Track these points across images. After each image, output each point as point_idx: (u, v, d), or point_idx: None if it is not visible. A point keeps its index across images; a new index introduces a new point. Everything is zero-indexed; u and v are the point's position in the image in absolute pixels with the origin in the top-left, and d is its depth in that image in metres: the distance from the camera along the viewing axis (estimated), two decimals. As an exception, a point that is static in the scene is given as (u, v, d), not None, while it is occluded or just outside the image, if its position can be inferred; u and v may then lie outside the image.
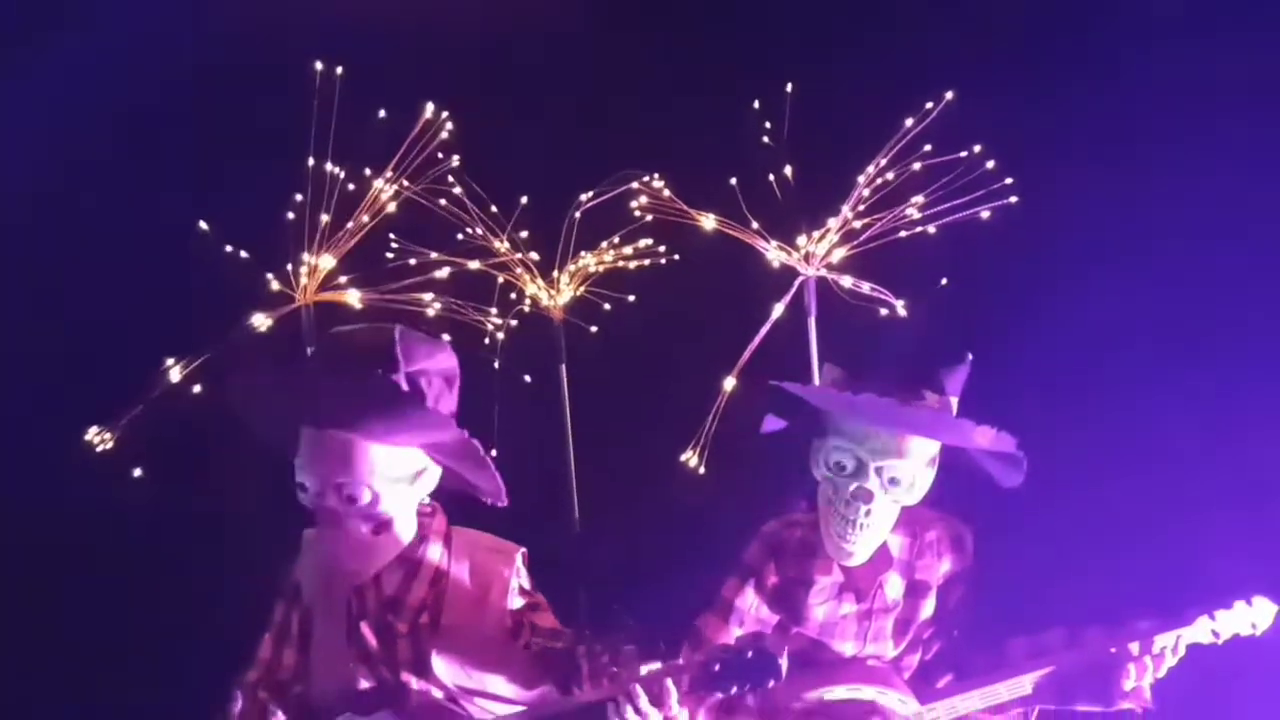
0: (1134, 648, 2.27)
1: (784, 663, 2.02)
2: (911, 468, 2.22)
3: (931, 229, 2.71)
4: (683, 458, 2.75)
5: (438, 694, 2.29)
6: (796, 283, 2.79)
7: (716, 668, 2.04)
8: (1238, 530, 2.81)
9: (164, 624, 2.87)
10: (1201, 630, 2.29)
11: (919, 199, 2.72)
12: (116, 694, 2.79)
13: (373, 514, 2.22)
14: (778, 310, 2.77)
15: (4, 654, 2.90)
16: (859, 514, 2.23)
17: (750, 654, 2.03)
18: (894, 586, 2.35)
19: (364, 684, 2.28)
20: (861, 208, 2.75)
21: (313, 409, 2.16)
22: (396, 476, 2.22)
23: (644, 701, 2.04)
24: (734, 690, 2.06)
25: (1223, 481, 2.91)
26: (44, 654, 2.93)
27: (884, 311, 2.78)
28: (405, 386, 2.16)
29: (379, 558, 2.26)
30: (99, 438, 2.57)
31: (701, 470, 2.74)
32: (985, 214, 2.68)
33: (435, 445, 2.24)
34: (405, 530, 2.28)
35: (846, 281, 2.80)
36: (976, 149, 2.70)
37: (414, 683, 2.27)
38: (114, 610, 2.91)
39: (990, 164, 2.68)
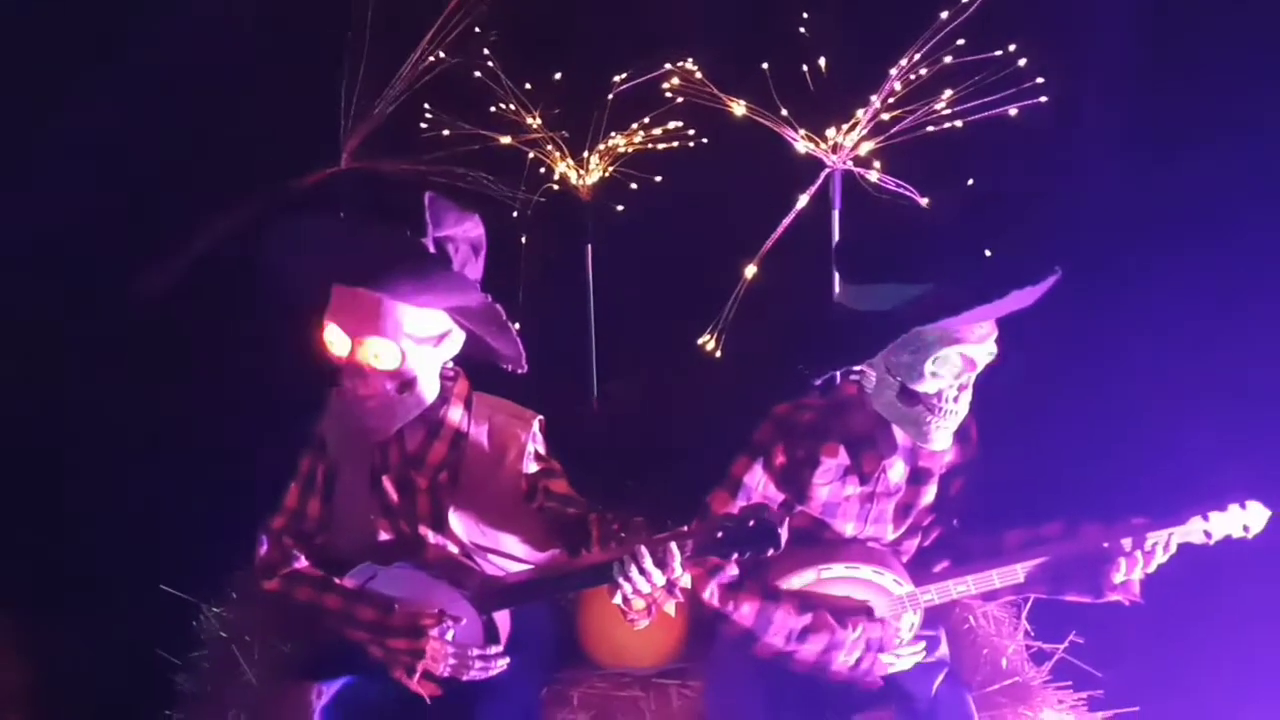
0: (1126, 543, 2.34)
1: (784, 533, 2.11)
2: (993, 342, 2.27)
3: (959, 124, 2.71)
4: (700, 341, 2.79)
5: (453, 549, 2.40)
6: (823, 174, 2.80)
7: (720, 534, 2.13)
8: (1236, 435, 2.85)
9: (193, 469, 2.96)
10: (1194, 530, 2.35)
11: (949, 93, 2.71)
12: (148, 537, 2.89)
13: (399, 372, 2.30)
14: (802, 201, 2.78)
15: (39, 502, 3.02)
16: (962, 399, 2.29)
17: (752, 523, 2.11)
18: (897, 471, 2.42)
19: (384, 536, 2.41)
20: (891, 100, 2.74)
21: (345, 266, 2.23)
22: (422, 337, 2.29)
23: (649, 562, 2.13)
24: (735, 556, 2.15)
25: (1226, 386, 2.94)
26: (77, 500, 3.04)
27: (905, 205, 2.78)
28: (433, 250, 2.22)
29: (402, 415, 2.34)
30: (145, 284, 2.63)
31: (719, 354, 2.79)
32: (1013, 111, 2.68)
33: (460, 309, 2.30)
34: (428, 390, 2.36)
35: (873, 176, 2.81)
36: (1011, 48, 2.68)
37: (431, 536, 2.39)
38: (148, 453, 3.01)
39: (1022, 62, 2.66)
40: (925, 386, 2.28)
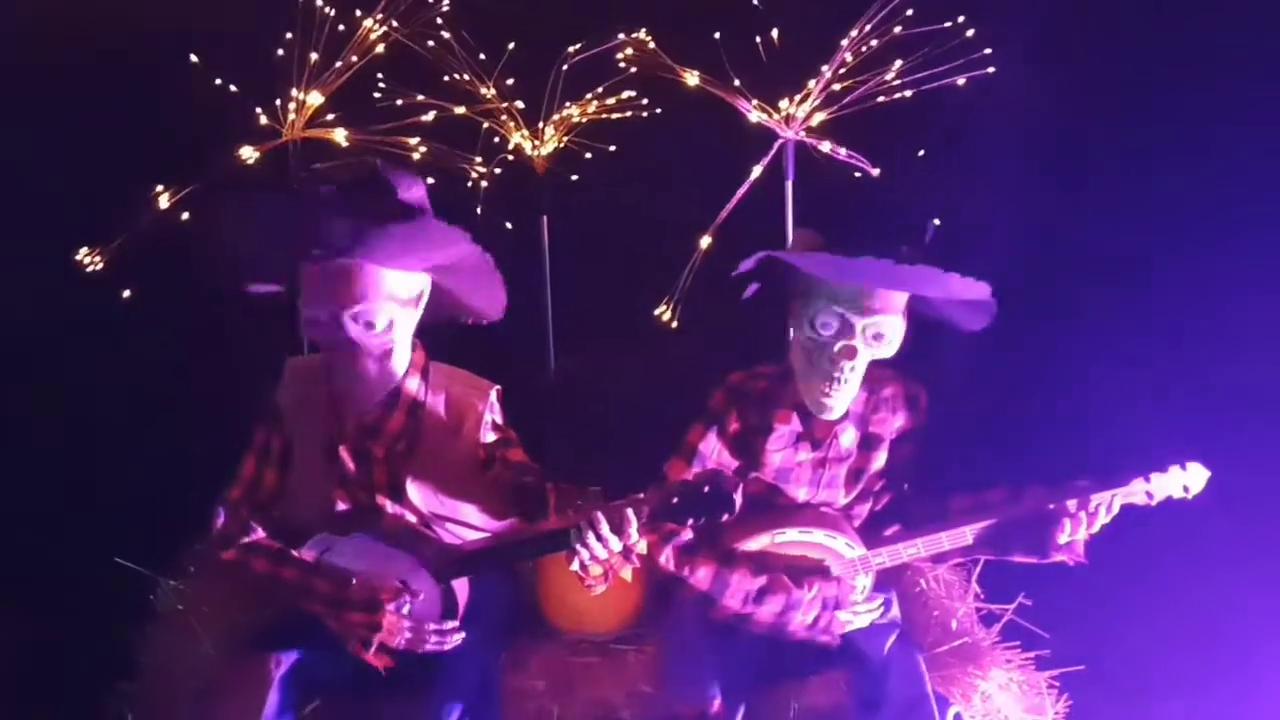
0: (1071, 504, 2.39)
1: (738, 498, 2.14)
2: (893, 323, 2.32)
3: (909, 94, 2.74)
4: (657, 312, 2.81)
5: (411, 518, 2.41)
6: (776, 145, 2.82)
7: (675, 500, 2.16)
8: (1176, 397, 2.91)
9: (149, 442, 2.94)
10: (1136, 491, 2.41)
11: (899, 63, 2.73)
12: (109, 508, 2.88)
13: (386, 339, 2.30)
14: (756, 171, 2.80)
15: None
16: (844, 370, 2.33)
17: (707, 489, 2.14)
18: (848, 437, 2.46)
19: (341, 506, 2.41)
20: (843, 71, 2.77)
21: (322, 240, 2.20)
22: (405, 299, 2.30)
23: (605, 528, 2.16)
24: (690, 521, 2.18)
25: (1166, 350, 3.01)
26: (39, 471, 3.01)
27: (857, 175, 2.82)
28: None
29: (385, 384, 2.36)
30: (89, 258, 2.61)
31: (674, 325, 2.81)
32: (961, 81, 2.71)
33: (441, 265, 2.31)
34: (401, 360, 2.37)
35: (825, 147, 2.84)
36: (960, 19, 2.71)
37: (389, 506, 2.40)
38: (103, 426, 2.98)
39: (970, 33, 2.70)
40: (807, 340, 2.34)
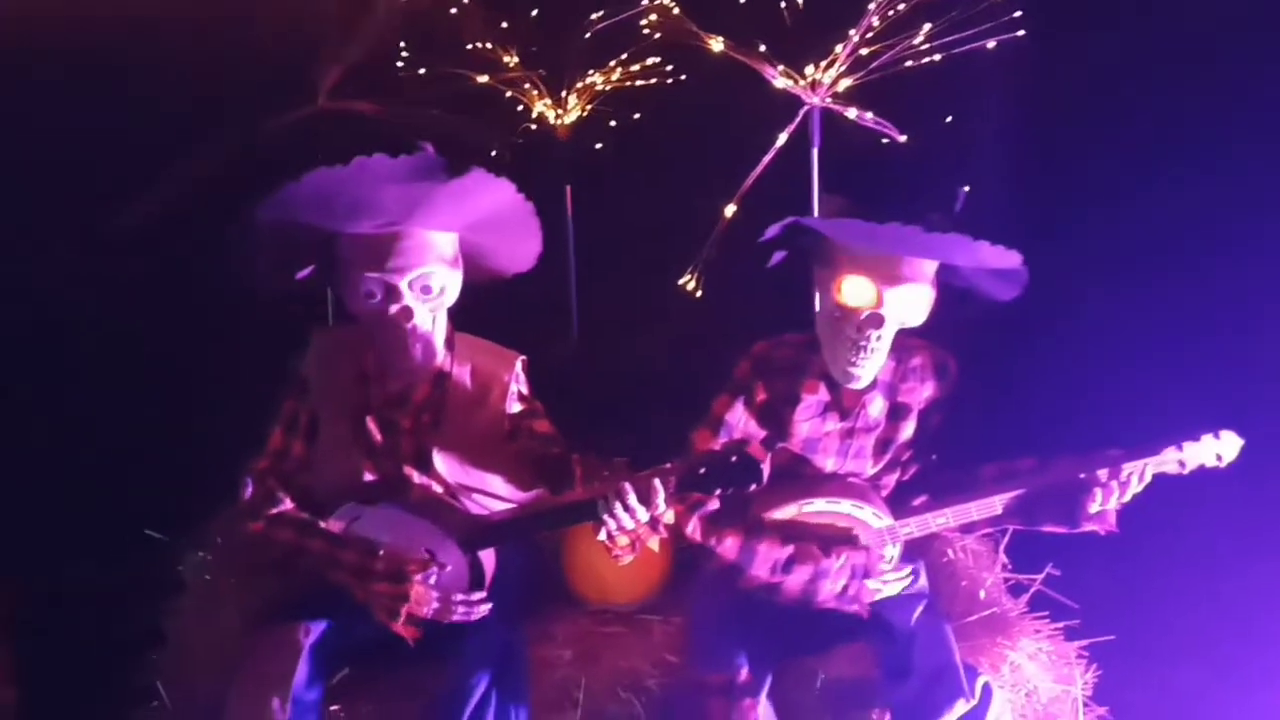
0: (1102, 474, 2.37)
1: (765, 468, 2.13)
2: (920, 291, 2.30)
3: (937, 58, 2.70)
4: (681, 281, 2.79)
5: (438, 489, 2.41)
6: (801, 112, 2.79)
7: (702, 470, 2.15)
8: (1210, 365, 2.88)
9: (177, 413, 2.96)
10: (1169, 460, 2.38)
11: (927, 27, 2.69)
12: (138, 480, 2.90)
13: (440, 302, 2.33)
14: (781, 139, 2.77)
15: (19, 441, 3.01)
16: (870, 339, 2.31)
17: (734, 458, 2.13)
18: (877, 407, 2.44)
19: (368, 476, 2.41)
20: (870, 35, 2.73)
21: (375, 209, 2.21)
22: (450, 259, 2.33)
23: (633, 498, 2.15)
24: (717, 491, 2.18)
25: (1200, 317, 2.97)
26: (68, 443, 3.03)
27: (884, 142, 2.78)
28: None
29: (428, 355, 2.37)
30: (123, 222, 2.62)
31: (699, 294, 2.79)
32: (991, 44, 2.67)
33: (477, 222, 2.31)
34: (443, 325, 2.39)
35: (851, 113, 2.80)
36: (989, -18, 2.67)
37: (415, 477, 2.40)
38: (132, 397, 3.00)
39: (1001, -6, 2.66)
40: (835, 307, 2.31)
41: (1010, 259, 2.26)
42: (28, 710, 2.67)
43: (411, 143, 2.18)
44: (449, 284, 2.33)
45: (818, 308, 2.40)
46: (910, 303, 2.30)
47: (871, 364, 2.35)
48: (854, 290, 2.29)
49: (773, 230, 2.29)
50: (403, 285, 2.28)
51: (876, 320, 2.29)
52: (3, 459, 2.94)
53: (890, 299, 2.28)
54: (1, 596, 2.72)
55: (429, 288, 2.29)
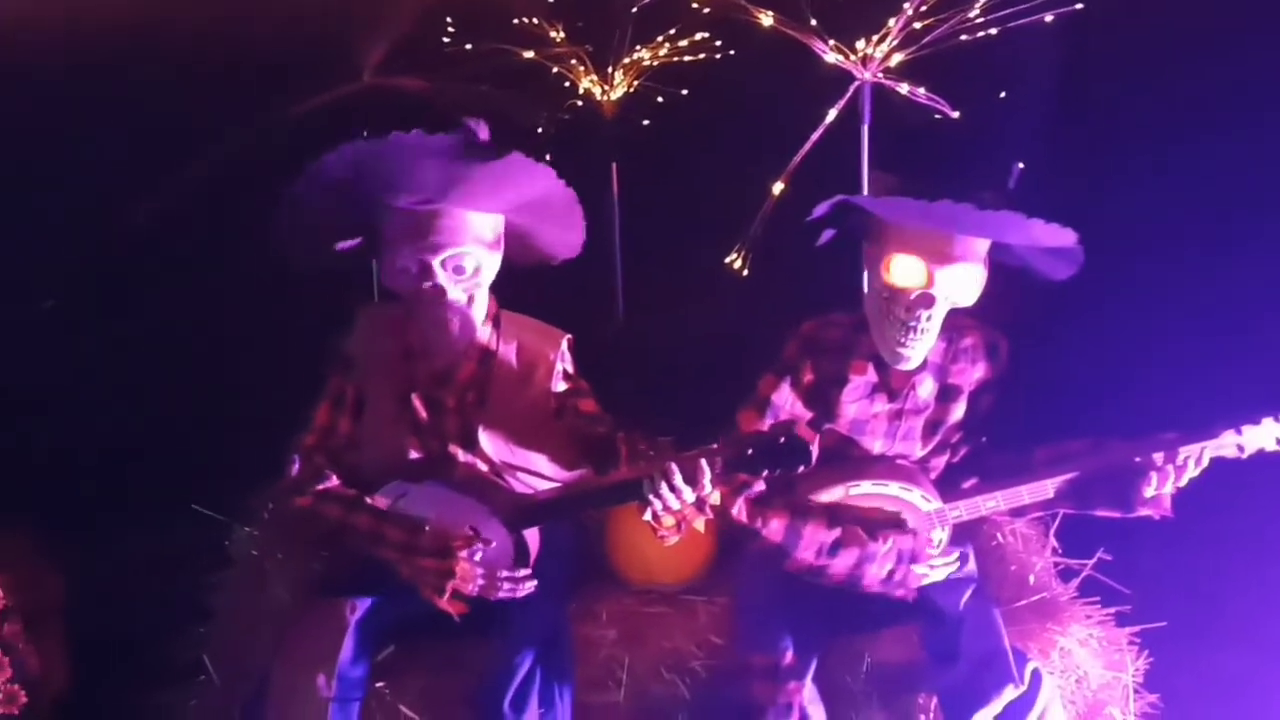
0: (1158, 457, 2.32)
1: (813, 449, 2.10)
2: (973, 271, 2.26)
3: (993, 32, 2.64)
4: (728, 259, 2.77)
5: (483, 467, 2.41)
6: (852, 88, 2.75)
7: (749, 451, 2.13)
8: (1270, 347, 2.81)
9: (226, 390, 2.98)
10: (1227, 443, 2.33)
11: (981, 0, 2.64)
12: (187, 455, 2.93)
13: (473, 283, 2.31)
14: (831, 115, 2.73)
15: (75, 423, 3.04)
16: (920, 319, 2.27)
17: (782, 439, 2.11)
18: (926, 388, 2.40)
19: (414, 454, 2.41)
20: (924, 8, 2.68)
21: (412, 185, 2.20)
22: (489, 241, 2.30)
23: (678, 478, 2.13)
24: (764, 473, 2.16)
25: (1260, 298, 2.90)
26: (113, 421, 3.06)
27: (937, 118, 2.74)
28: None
29: (466, 333, 2.37)
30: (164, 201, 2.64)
31: (745, 272, 2.76)
32: (1049, 18, 2.61)
33: (519, 206, 2.30)
34: (482, 305, 2.37)
35: (903, 88, 2.76)
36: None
37: (461, 455, 2.40)
38: (180, 374, 3.03)
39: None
40: (884, 288, 2.27)
41: (1065, 237, 2.21)
42: (78, 685, 2.71)
43: (456, 120, 2.17)
44: (485, 265, 2.31)
45: (866, 287, 2.36)
46: (961, 282, 2.26)
47: (921, 345, 2.31)
48: (904, 270, 2.25)
49: (821, 208, 2.25)
50: (435, 264, 2.26)
51: (926, 300, 2.25)
52: (53, 436, 2.98)
53: (941, 279, 2.24)
54: (52, 574, 2.76)
55: (462, 268, 2.27)
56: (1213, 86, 2.86)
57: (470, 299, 2.34)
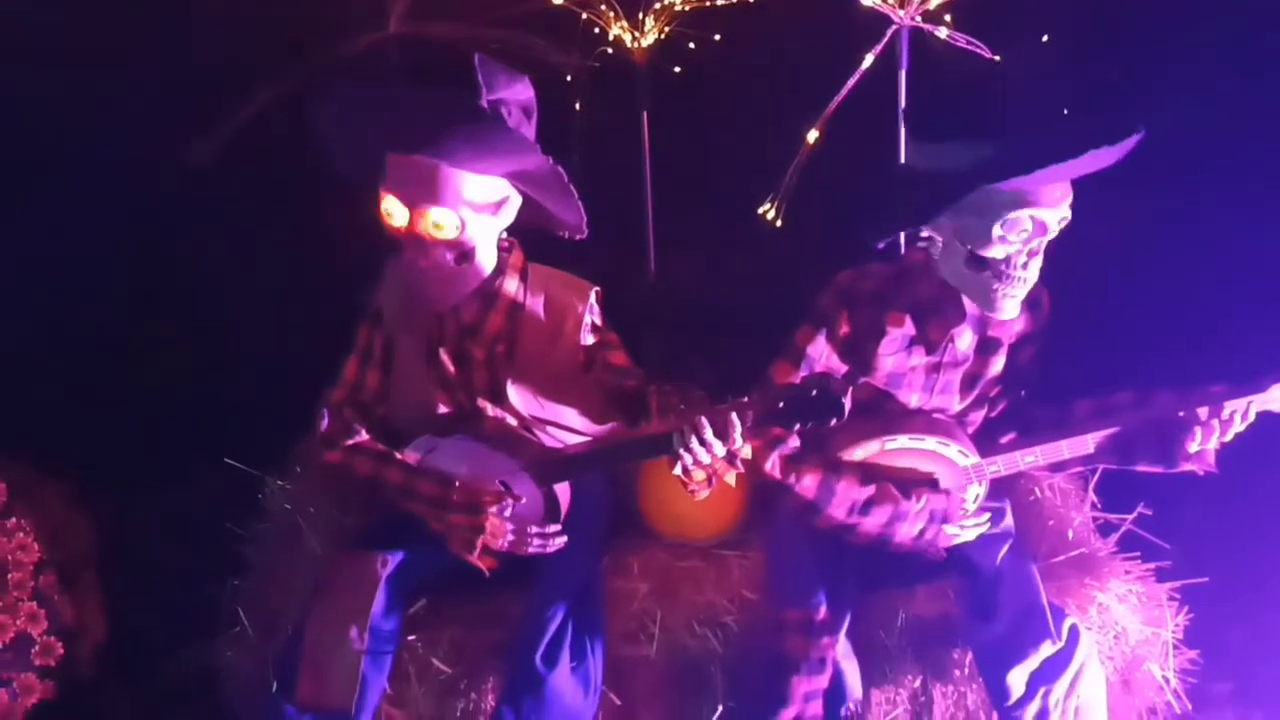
0: (1203, 411, 2.27)
1: (847, 403, 2.06)
2: (1068, 205, 2.18)
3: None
4: (761, 210, 2.72)
5: (512, 421, 2.40)
6: (889, 32, 2.68)
7: (781, 404, 2.09)
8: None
9: (257, 344, 2.98)
10: (1275, 397, 2.26)
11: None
12: (209, 408, 2.94)
13: (458, 242, 2.26)
14: (868, 61, 2.66)
15: (109, 380, 3.06)
16: (1032, 268, 2.22)
17: (815, 392, 2.07)
18: (965, 341, 2.35)
19: (442, 408, 2.40)
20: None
21: (400, 132, 2.17)
22: (481, 204, 2.24)
23: (709, 432, 2.10)
24: (797, 426, 2.12)
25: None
26: (151, 377, 3.08)
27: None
28: (487, 112, 2.16)
29: (461, 287, 2.32)
30: (200, 153, 2.62)
31: (780, 223, 2.71)
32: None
33: (518, 174, 2.25)
34: (486, 261, 2.33)
35: (942, 33, 2.68)
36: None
37: (489, 409, 2.39)
38: (212, 328, 3.03)
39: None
40: (993, 251, 2.19)
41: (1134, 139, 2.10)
42: (115, 634, 2.74)
43: (467, 75, 2.12)
44: (474, 225, 2.25)
45: (939, 249, 2.26)
46: (1067, 217, 2.18)
47: (1026, 287, 2.24)
48: (1022, 228, 2.16)
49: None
50: (417, 215, 2.22)
51: (1039, 247, 2.19)
52: (87, 389, 3.00)
53: (1049, 220, 2.17)
54: (86, 526, 2.78)
55: (440, 224, 2.23)
56: (1267, 20, 2.76)
57: (464, 254, 2.29)
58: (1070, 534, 2.57)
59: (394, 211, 2.24)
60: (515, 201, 2.30)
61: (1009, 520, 2.45)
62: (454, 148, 2.16)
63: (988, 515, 2.39)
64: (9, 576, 2.60)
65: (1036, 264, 2.23)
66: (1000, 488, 2.46)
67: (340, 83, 2.16)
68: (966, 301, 2.31)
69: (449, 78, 2.15)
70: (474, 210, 2.24)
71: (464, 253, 2.28)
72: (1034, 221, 2.17)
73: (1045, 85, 2.20)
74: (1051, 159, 2.04)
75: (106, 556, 2.78)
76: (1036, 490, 2.67)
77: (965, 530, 2.36)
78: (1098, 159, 2.08)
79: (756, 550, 2.53)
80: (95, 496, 2.81)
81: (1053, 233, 2.20)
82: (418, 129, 2.14)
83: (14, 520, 2.63)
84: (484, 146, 2.17)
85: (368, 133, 2.21)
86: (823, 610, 2.29)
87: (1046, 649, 2.24)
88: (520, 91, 2.23)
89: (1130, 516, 2.59)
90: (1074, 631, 2.28)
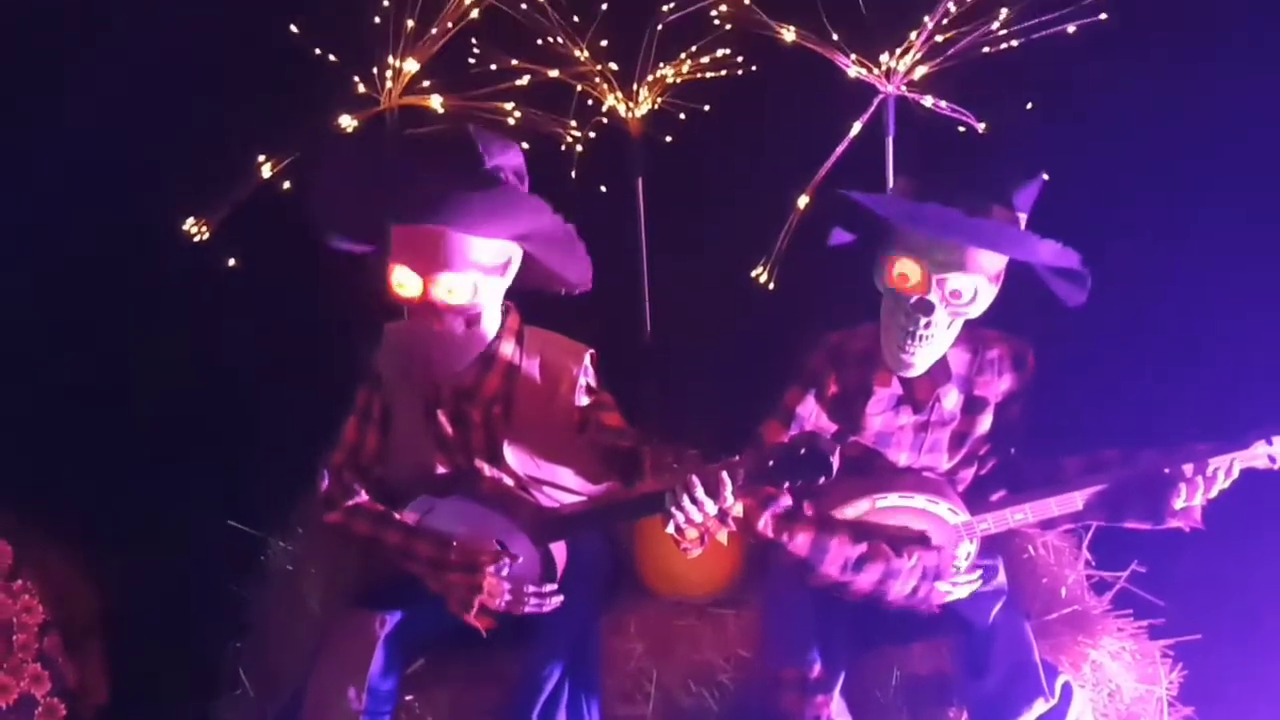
0: (1187, 468, 2.31)
1: (835, 461, 2.10)
2: (973, 281, 2.24)
3: (1015, 44, 2.63)
4: (754, 273, 2.78)
5: (509, 481, 2.44)
6: (876, 101, 2.75)
7: (771, 463, 2.13)
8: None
9: (260, 408, 3.02)
10: (1258, 454, 2.31)
11: (1004, 12, 2.63)
12: (212, 471, 2.97)
13: (469, 306, 2.31)
14: (855, 128, 2.73)
15: (113, 441, 3.10)
16: (919, 325, 2.26)
17: (804, 450, 2.11)
18: (951, 400, 2.40)
19: (440, 468, 2.44)
20: (945, 21, 2.68)
21: (409, 204, 2.22)
22: (490, 266, 2.30)
23: (700, 491, 2.14)
24: (786, 484, 2.16)
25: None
26: (153, 436, 3.12)
27: (962, 130, 2.73)
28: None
29: (471, 350, 2.37)
30: (195, 228, 2.68)
31: (771, 286, 2.77)
32: (1071, 29, 2.60)
33: (525, 234, 2.31)
34: (491, 325, 2.38)
35: (927, 101, 2.75)
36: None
37: (486, 469, 2.43)
38: (206, 392, 3.07)
39: (1080, -22, 2.59)
40: (886, 291, 2.28)
41: (1067, 258, 2.18)
42: (117, 696, 2.76)
43: (467, 144, 2.20)
44: (484, 288, 2.31)
45: (882, 304, 2.35)
46: (960, 292, 2.23)
47: (925, 353, 2.29)
48: (902, 273, 2.24)
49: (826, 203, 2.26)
50: (430, 283, 2.26)
51: (924, 306, 2.24)
52: (89, 454, 3.03)
53: (939, 285, 2.23)
54: (91, 589, 2.81)
55: (454, 289, 2.27)
56: (1240, 97, 2.84)
57: (473, 317, 2.34)
58: (1064, 592, 2.59)
59: (406, 282, 2.28)
60: (518, 260, 2.36)
61: (1002, 578, 2.48)
62: (468, 214, 2.21)
63: (980, 572, 2.42)
64: (14, 638, 2.62)
65: (937, 328, 2.27)
66: (993, 545, 2.50)
67: (344, 156, 2.22)
68: (952, 361, 2.36)
69: (448, 147, 2.22)
70: (484, 273, 2.30)
71: (472, 317, 2.34)
72: (919, 274, 2.23)
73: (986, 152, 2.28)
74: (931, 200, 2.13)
75: (110, 619, 2.80)
76: (1030, 548, 2.69)
77: (958, 587, 2.38)
78: (972, 235, 2.17)
79: (752, 608, 2.55)
80: (99, 560, 2.84)
81: (955, 298, 2.25)
82: (428, 199, 2.19)
83: (20, 583, 2.66)
84: (499, 210, 2.22)
85: (373, 205, 2.26)
86: (817, 668, 2.31)
87: (1040, 706, 2.26)
88: (513, 157, 2.30)
89: (1124, 574, 2.61)
90: (1067, 689, 2.29)
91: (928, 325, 2.26)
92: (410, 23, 2.77)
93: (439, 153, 2.25)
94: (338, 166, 2.26)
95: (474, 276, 2.28)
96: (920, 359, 2.31)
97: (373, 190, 2.25)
